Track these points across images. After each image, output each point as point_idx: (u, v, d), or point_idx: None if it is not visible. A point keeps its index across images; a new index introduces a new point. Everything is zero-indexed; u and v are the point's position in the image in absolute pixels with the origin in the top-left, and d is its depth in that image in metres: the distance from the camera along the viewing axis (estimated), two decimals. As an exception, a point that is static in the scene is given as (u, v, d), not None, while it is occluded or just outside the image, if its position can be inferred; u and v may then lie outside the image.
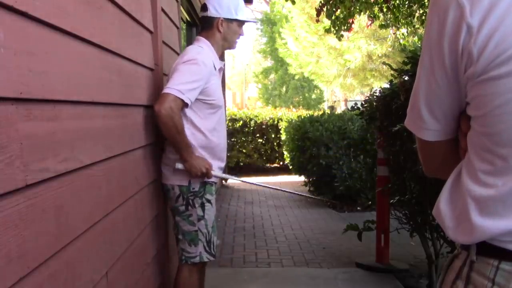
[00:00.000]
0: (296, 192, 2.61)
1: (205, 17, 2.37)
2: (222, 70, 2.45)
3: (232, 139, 9.51)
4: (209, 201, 2.30)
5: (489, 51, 0.69)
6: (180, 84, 2.12)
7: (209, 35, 2.36)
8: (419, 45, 2.95)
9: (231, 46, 2.46)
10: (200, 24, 2.43)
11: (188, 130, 2.22)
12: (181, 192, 2.27)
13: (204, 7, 2.37)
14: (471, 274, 0.78)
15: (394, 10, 6.98)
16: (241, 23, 2.40)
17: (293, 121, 8.07)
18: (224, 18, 2.34)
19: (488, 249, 0.75)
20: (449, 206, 0.82)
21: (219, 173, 2.37)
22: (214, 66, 2.30)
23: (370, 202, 4.07)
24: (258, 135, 9.92)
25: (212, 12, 2.34)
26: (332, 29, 7.34)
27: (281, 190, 2.67)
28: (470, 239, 0.77)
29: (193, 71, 2.17)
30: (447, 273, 0.85)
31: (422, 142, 0.88)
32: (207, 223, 2.27)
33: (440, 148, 0.87)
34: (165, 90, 2.11)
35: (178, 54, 3.08)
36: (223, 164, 2.42)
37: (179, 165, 2.22)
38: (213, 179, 2.32)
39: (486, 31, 0.69)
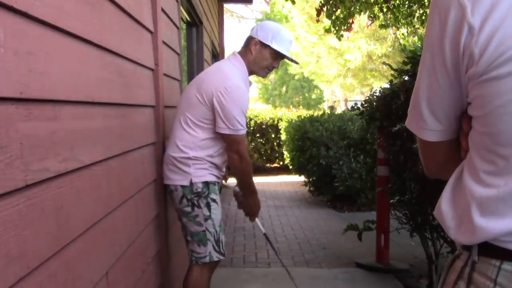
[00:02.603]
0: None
1: (248, 35, 2.45)
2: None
3: (232, 139, 9.49)
4: (214, 200, 2.31)
5: (490, 51, 0.68)
6: (238, 123, 2.24)
7: (243, 53, 2.42)
8: (419, 45, 2.95)
9: (258, 72, 2.47)
10: (244, 41, 2.49)
11: (198, 142, 2.29)
12: (184, 193, 2.27)
13: (253, 28, 2.46)
14: (473, 274, 0.78)
15: (394, 10, 6.99)
16: (274, 53, 2.40)
17: (293, 121, 8.07)
18: (259, 41, 2.37)
19: (490, 249, 0.75)
20: (451, 207, 0.82)
21: (259, 222, 2.66)
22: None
23: (370, 202, 4.07)
24: (258, 135, 9.92)
25: (253, 32, 2.41)
26: (332, 29, 7.35)
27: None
28: (471, 240, 0.77)
29: (240, 101, 2.26)
30: (448, 274, 0.84)
31: (423, 142, 0.88)
32: (214, 223, 2.28)
33: (441, 149, 0.87)
34: (233, 132, 2.24)
35: (178, 54, 3.07)
36: (222, 173, 2.47)
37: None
38: (215, 179, 2.34)
39: (488, 31, 0.69)
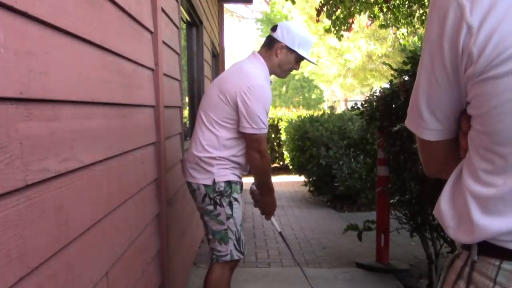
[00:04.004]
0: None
1: (271, 36, 2.43)
2: None
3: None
4: (236, 199, 2.34)
5: (489, 51, 0.69)
6: (261, 121, 2.26)
7: (266, 55, 2.41)
8: (419, 45, 2.95)
9: (280, 74, 2.49)
10: (264, 41, 2.48)
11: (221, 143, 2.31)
12: (206, 192, 2.29)
13: (275, 28, 2.44)
14: (473, 274, 0.78)
15: (394, 10, 6.99)
16: (299, 58, 2.43)
17: (293, 121, 8.08)
18: (286, 45, 2.38)
19: (490, 248, 0.75)
20: (450, 206, 0.82)
21: (274, 221, 2.69)
22: None
23: (370, 202, 4.07)
24: (258, 135, 9.90)
25: (278, 35, 2.39)
26: (332, 29, 7.36)
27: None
28: (471, 239, 0.77)
29: (264, 101, 2.28)
30: (448, 273, 0.85)
31: (422, 142, 0.88)
32: (235, 222, 2.31)
33: (440, 148, 0.87)
34: (256, 131, 2.26)
35: (178, 54, 3.07)
36: (245, 173, 2.49)
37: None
38: (237, 178, 2.37)
39: (486, 31, 0.69)
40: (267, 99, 2.29)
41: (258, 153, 2.31)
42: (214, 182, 2.28)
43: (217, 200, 2.28)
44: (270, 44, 2.41)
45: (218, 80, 2.42)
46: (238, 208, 2.34)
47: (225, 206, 2.29)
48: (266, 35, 2.50)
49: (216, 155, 2.29)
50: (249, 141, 2.31)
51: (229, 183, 2.31)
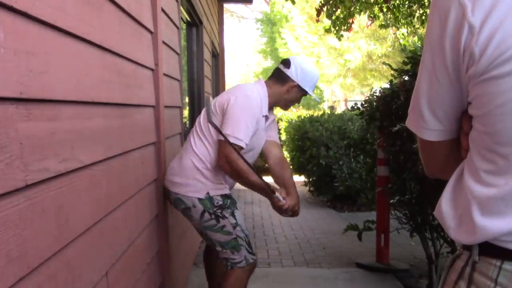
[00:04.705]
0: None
1: (283, 72, 2.42)
2: (268, 119, 2.45)
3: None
4: (236, 208, 2.34)
5: (490, 51, 0.68)
6: (236, 129, 2.19)
7: (275, 87, 2.42)
8: (419, 45, 2.95)
9: (284, 107, 2.53)
10: (273, 73, 2.49)
11: (197, 159, 2.28)
12: (205, 208, 2.26)
13: (287, 64, 2.42)
14: (474, 274, 0.78)
15: (394, 10, 7.00)
16: (304, 94, 2.47)
17: (293, 121, 8.08)
18: (298, 85, 2.40)
19: (491, 249, 0.75)
20: (451, 206, 0.82)
21: (280, 197, 2.37)
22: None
23: (370, 202, 4.07)
24: (258, 135, 9.90)
25: (292, 73, 2.40)
26: (332, 29, 7.36)
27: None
28: (472, 240, 0.77)
29: (246, 110, 2.24)
30: (448, 274, 0.84)
31: (423, 142, 0.88)
32: (242, 228, 2.31)
33: (441, 148, 0.87)
34: (228, 138, 2.17)
35: (178, 54, 3.07)
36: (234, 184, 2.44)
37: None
38: (226, 191, 2.34)
39: (488, 31, 0.69)
40: (249, 109, 2.25)
41: (224, 162, 2.20)
42: (210, 197, 2.26)
43: (219, 213, 2.26)
44: (282, 80, 2.41)
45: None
46: (239, 214, 2.35)
47: (228, 217, 2.27)
48: (275, 68, 2.49)
49: (208, 165, 2.28)
50: (218, 149, 2.24)
51: (226, 196, 2.31)
